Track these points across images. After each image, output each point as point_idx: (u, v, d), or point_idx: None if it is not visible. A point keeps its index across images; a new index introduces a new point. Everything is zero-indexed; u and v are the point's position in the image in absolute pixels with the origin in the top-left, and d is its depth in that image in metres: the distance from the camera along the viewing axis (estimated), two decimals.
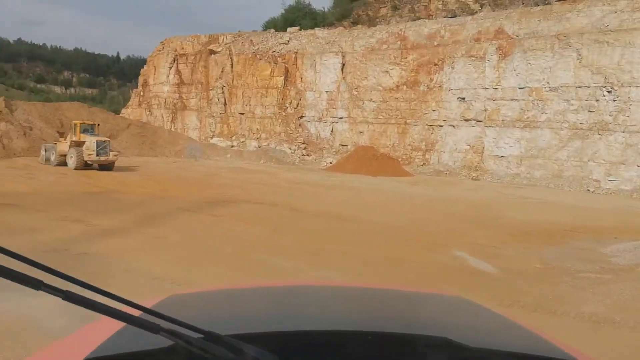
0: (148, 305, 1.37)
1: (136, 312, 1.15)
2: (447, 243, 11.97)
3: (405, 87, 36.09)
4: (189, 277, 8.01)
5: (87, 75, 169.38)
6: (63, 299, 0.99)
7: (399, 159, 34.19)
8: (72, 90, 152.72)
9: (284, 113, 42.17)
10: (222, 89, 45.79)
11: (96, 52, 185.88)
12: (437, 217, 15.96)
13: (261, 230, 12.48)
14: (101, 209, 14.35)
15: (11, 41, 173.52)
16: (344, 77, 39.50)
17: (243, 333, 1.24)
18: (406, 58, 36.14)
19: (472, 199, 21.29)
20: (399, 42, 36.78)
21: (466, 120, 32.85)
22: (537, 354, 1.41)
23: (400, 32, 37.03)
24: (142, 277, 7.93)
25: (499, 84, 31.52)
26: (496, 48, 31.64)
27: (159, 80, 50.95)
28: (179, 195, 18.10)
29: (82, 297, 1.01)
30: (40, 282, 0.97)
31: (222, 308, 1.85)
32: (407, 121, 35.75)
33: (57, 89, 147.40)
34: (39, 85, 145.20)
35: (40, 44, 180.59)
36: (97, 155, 25.06)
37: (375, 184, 25.29)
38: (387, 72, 37.15)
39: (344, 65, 39.55)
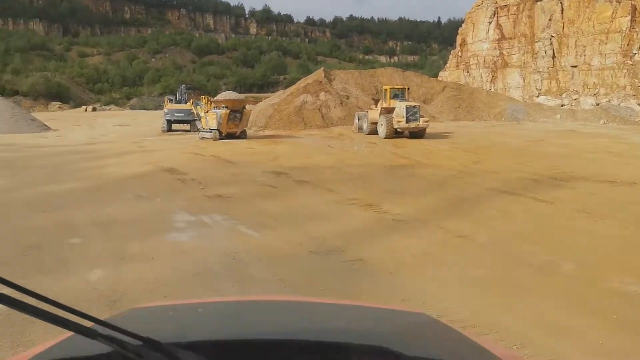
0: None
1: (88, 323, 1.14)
2: None
3: None
4: (496, 319, 4.81)
5: (409, 42, 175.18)
6: None
7: None
8: (396, 58, 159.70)
9: (630, 62, 34.43)
10: (550, 39, 39.90)
11: (418, 20, 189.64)
12: None
13: (617, 228, 8.23)
14: (399, 189, 11.94)
15: (344, 18, 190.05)
16: None
17: (185, 342, 1.23)
18: None
19: None
20: None
21: None
22: None
23: None
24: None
25: None
26: None
27: (478, 37, 47.43)
28: (494, 169, 14.67)
29: (15, 299, 0.96)
30: None
31: (175, 320, 1.73)
32: None
33: (383, 58, 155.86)
34: (366, 57, 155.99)
35: (369, 18, 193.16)
36: (407, 122, 23.15)
37: None
38: None
39: None
